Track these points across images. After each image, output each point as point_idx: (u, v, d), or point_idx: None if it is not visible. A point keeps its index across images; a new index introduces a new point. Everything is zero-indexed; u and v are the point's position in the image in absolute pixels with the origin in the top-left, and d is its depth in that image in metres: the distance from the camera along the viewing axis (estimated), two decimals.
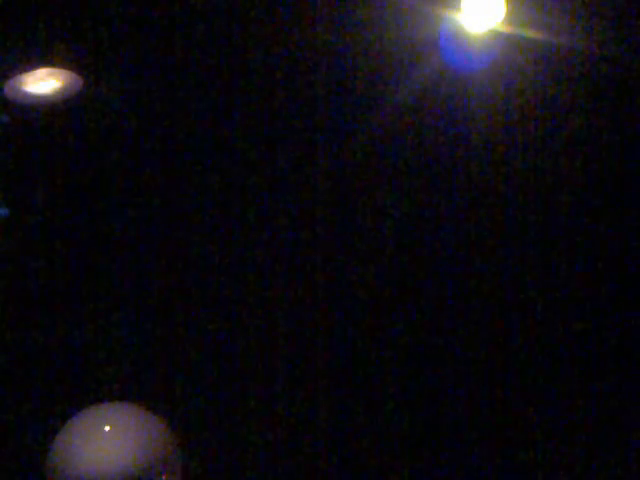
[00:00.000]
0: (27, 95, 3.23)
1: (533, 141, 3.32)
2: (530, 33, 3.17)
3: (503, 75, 3.24)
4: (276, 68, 3.31)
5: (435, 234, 3.34)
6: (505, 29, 3.15)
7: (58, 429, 2.57)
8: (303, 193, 3.33)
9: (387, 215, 3.34)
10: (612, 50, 3.23)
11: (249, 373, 3.16)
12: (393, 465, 3.10)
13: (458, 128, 3.31)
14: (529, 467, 3.10)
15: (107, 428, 2.52)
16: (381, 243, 3.34)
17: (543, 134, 3.31)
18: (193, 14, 3.26)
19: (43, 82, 3.24)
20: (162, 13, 3.25)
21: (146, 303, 3.23)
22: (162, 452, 2.52)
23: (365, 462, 3.09)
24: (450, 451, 3.12)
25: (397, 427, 3.15)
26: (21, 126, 3.27)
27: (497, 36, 3.16)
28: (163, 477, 2.51)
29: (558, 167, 3.33)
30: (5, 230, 3.28)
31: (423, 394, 3.19)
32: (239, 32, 3.28)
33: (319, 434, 3.11)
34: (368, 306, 3.29)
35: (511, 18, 3.12)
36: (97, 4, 3.20)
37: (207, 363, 3.16)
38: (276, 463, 3.05)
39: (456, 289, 3.30)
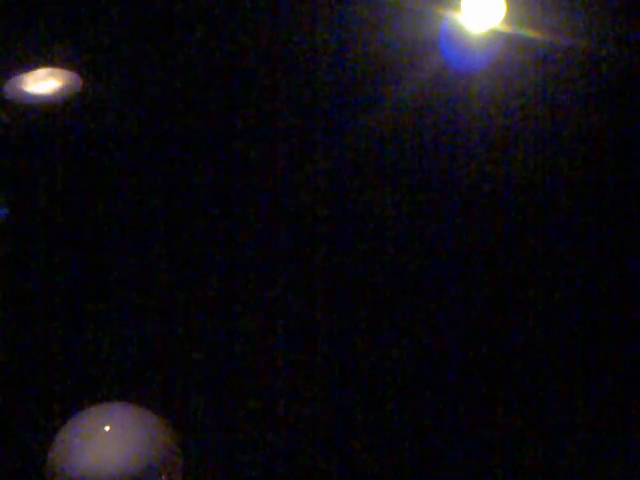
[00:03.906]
0: (27, 95, 3.23)
1: (533, 141, 3.32)
2: (530, 33, 3.17)
3: (503, 75, 3.24)
4: (276, 68, 3.31)
5: (435, 234, 3.34)
6: (505, 29, 3.15)
7: (58, 429, 2.57)
8: (303, 193, 3.33)
9: (387, 215, 3.34)
10: (612, 50, 3.23)
11: (249, 373, 3.16)
12: (393, 465, 3.10)
13: (458, 128, 3.31)
14: (529, 467, 3.10)
15: (107, 428, 2.52)
16: (381, 243, 3.34)
17: (543, 134, 3.31)
18: (193, 14, 3.26)
19: (43, 82, 3.24)
20: (162, 13, 3.25)
21: (146, 303, 3.23)
22: (162, 452, 2.52)
23: (365, 462, 3.10)
24: (450, 451, 3.12)
25: (397, 427, 3.15)
26: (21, 126, 3.27)
27: (497, 36, 3.16)
28: (163, 477, 2.51)
29: (558, 167, 3.33)
30: (5, 230, 3.28)
31: (423, 394, 3.19)
32: (239, 32, 3.28)
33: (319, 434, 3.11)
34: (368, 306, 3.29)
35: (511, 18, 3.12)
36: (97, 4, 3.20)
37: (207, 363, 3.16)
38: (276, 463, 3.05)
39: (456, 289, 3.31)
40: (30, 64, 3.19)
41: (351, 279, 3.31)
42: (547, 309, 3.28)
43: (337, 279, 3.30)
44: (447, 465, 3.10)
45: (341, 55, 3.29)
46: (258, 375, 3.16)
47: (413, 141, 3.34)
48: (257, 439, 3.05)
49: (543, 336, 3.25)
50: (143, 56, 3.28)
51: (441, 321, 3.27)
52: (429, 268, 3.33)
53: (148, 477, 2.48)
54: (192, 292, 3.26)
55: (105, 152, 3.33)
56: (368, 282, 3.31)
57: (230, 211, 3.34)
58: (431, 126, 3.32)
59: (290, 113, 3.33)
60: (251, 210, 3.33)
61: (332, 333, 3.24)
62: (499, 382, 3.21)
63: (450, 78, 3.25)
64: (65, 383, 3.06)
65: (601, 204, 3.34)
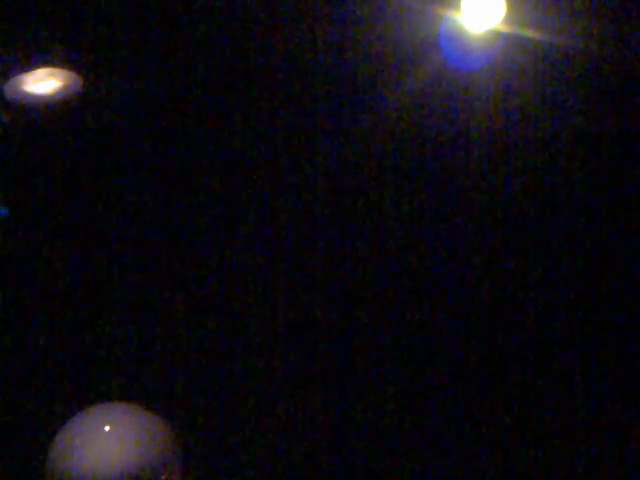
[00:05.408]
0: (27, 95, 3.23)
1: (533, 141, 3.32)
2: (530, 33, 3.17)
3: (503, 75, 3.24)
4: (276, 68, 3.31)
5: (435, 234, 3.34)
6: (505, 29, 3.15)
7: (58, 429, 2.57)
8: (303, 193, 3.33)
9: (387, 214, 3.34)
10: (612, 50, 3.23)
11: (249, 373, 3.16)
12: (393, 465, 3.09)
13: (458, 128, 3.31)
14: (529, 467, 3.10)
15: (107, 428, 2.52)
16: (381, 243, 3.34)
17: (543, 134, 3.31)
18: (193, 14, 3.26)
19: (43, 82, 3.24)
20: (162, 13, 3.25)
21: (146, 303, 3.23)
22: (162, 452, 2.52)
23: (365, 462, 3.09)
24: (450, 451, 3.11)
25: (397, 427, 3.14)
26: (21, 126, 3.27)
27: (497, 36, 3.16)
28: (163, 477, 2.51)
29: (558, 167, 3.33)
30: (5, 230, 3.28)
31: (423, 394, 3.19)
32: (239, 32, 3.28)
33: (319, 434, 3.11)
34: (368, 306, 3.29)
35: (511, 18, 3.12)
36: (97, 4, 3.20)
37: (207, 363, 3.16)
38: (276, 463, 3.05)
39: (456, 289, 3.30)
40: (30, 64, 3.20)
41: (351, 279, 3.31)
42: (547, 309, 3.28)
43: (337, 279, 3.30)
44: (447, 465, 3.09)
45: (341, 55, 3.29)
46: (258, 375, 3.16)
47: (413, 141, 3.34)
48: (257, 439, 3.05)
49: (543, 336, 3.25)
50: (143, 56, 3.28)
51: (441, 321, 3.27)
52: (429, 268, 3.33)
53: (148, 477, 2.48)
54: (192, 292, 3.26)
55: (105, 152, 3.33)
56: (368, 282, 3.31)
57: (230, 211, 3.34)
58: (431, 126, 3.32)
59: (290, 113, 3.33)
60: (251, 210, 3.33)
61: (332, 333, 3.24)
62: (499, 382, 3.21)
63: (450, 78, 3.25)
64: (65, 383, 3.06)
65: (601, 204, 3.34)
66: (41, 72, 3.23)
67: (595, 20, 3.20)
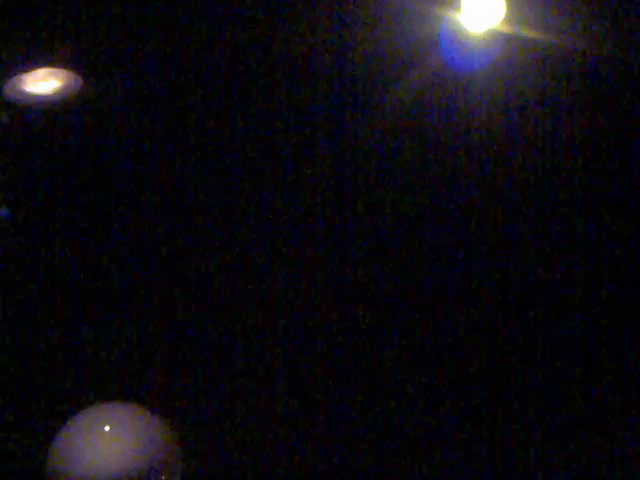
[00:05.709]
0: (27, 95, 3.24)
1: (533, 141, 3.32)
2: (530, 33, 3.17)
3: (503, 75, 3.24)
4: (276, 68, 3.31)
5: (435, 234, 3.34)
6: (505, 29, 3.15)
7: (58, 429, 2.57)
8: (303, 193, 3.33)
9: (387, 215, 3.34)
10: (612, 50, 3.23)
11: (249, 373, 3.16)
12: (393, 465, 3.10)
13: (458, 128, 3.31)
14: (529, 467, 3.10)
15: (107, 428, 2.52)
16: (381, 243, 3.34)
17: (543, 134, 3.31)
18: (193, 14, 3.26)
19: (43, 82, 3.24)
20: (162, 13, 3.25)
21: (146, 303, 3.23)
22: (162, 452, 2.52)
23: (365, 462, 3.10)
24: (450, 451, 3.12)
25: (397, 427, 3.15)
26: (21, 126, 3.28)
27: (497, 36, 3.16)
28: (163, 477, 2.51)
29: (558, 167, 3.33)
30: (5, 230, 3.28)
31: (423, 394, 3.19)
32: (239, 32, 3.28)
33: (319, 434, 3.11)
34: (368, 306, 3.29)
35: (511, 18, 3.12)
36: (97, 4, 3.20)
37: (207, 363, 3.16)
38: (276, 463, 3.05)
39: (456, 289, 3.31)
40: (30, 64, 3.20)
41: (351, 279, 3.31)
42: (547, 309, 3.28)
43: (337, 279, 3.30)
44: (447, 465, 3.10)
45: (341, 55, 3.29)
46: (258, 375, 3.16)
47: (413, 141, 3.34)
48: (257, 439, 3.05)
49: (543, 337, 3.25)
50: (143, 56, 3.28)
51: (442, 321, 3.27)
52: (429, 268, 3.33)
53: (148, 477, 2.48)
54: (192, 292, 3.26)
55: (105, 152, 3.33)
56: (369, 282, 3.31)
57: (230, 211, 3.34)
58: (431, 126, 3.32)
59: (290, 113, 3.33)
60: (251, 210, 3.33)
61: (332, 333, 3.24)
62: (499, 383, 3.21)
63: (450, 78, 3.25)
64: (65, 383, 3.06)
65: (601, 204, 3.34)
66: (41, 72, 3.23)
67: (595, 20, 3.20)
